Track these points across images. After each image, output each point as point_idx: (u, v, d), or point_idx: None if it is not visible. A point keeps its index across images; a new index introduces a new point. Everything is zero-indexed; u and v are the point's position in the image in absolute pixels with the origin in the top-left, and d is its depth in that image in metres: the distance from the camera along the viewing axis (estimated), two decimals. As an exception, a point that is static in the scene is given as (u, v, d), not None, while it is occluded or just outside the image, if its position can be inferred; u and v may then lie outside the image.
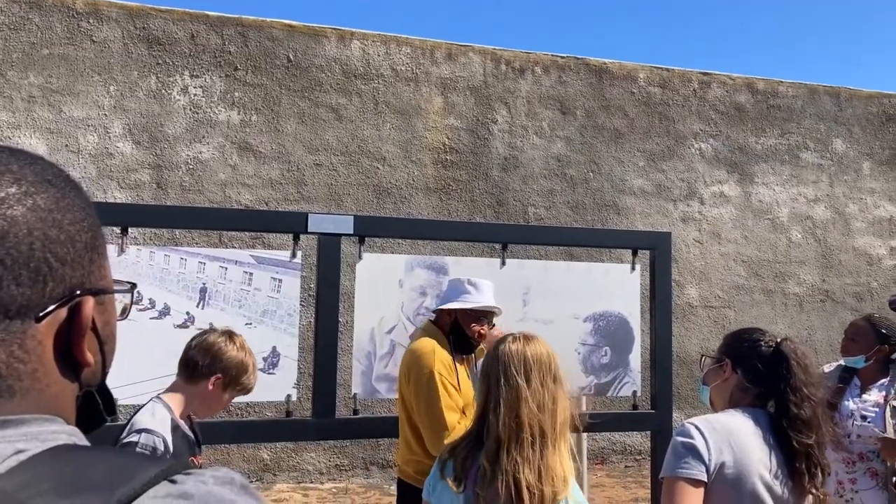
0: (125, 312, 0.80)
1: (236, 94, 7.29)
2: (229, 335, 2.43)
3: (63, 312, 0.66)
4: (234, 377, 2.37)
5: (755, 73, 9.43)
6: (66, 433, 0.64)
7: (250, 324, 3.41)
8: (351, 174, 7.53)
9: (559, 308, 3.88)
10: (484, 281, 3.29)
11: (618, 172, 8.38)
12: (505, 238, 3.89)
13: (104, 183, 6.88)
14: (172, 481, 0.60)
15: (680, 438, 1.81)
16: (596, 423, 4.20)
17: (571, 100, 8.32)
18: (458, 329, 3.21)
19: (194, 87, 7.18)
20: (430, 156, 7.79)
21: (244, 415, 6.35)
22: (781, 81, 9.17)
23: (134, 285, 0.81)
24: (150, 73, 7.08)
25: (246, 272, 3.45)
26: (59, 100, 6.82)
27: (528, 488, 1.82)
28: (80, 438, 0.65)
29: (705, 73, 8.88)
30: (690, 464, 1.75)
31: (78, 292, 0.66)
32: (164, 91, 7.11)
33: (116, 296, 0.77)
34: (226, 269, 3.43)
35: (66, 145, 6.81)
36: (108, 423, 0.76)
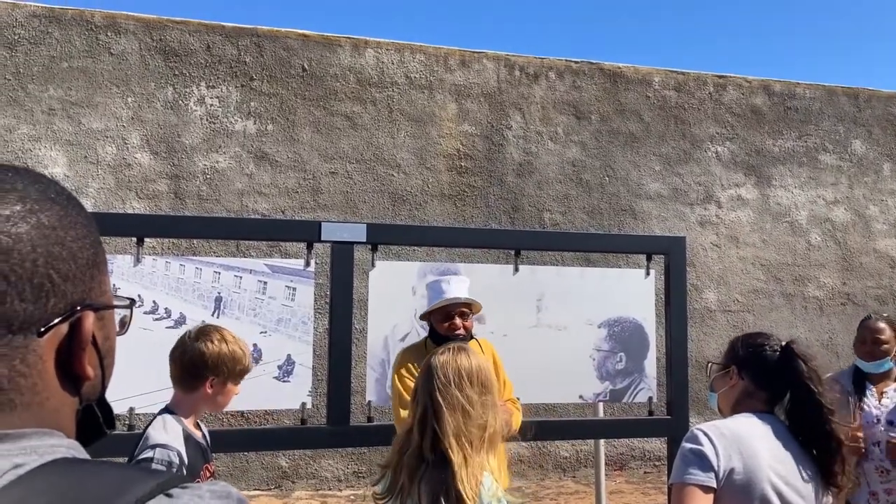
0: (125, 327, 0.82)
1: (252, 103, 7.35)
2: (203, 334, 2.34)
3: (64, 327, 0.67)
4: (229, 371, 2.31)
5: (772, 76, 9.35)
6: (65, 447, 0.64)
7: (265, 332, 3.43)
8: (366, 182, 7.56)
9: (573, 314, 3.87)
10: (447, 278, 3.31)
11: (634, 177, 8.35)
12: (517, 244, 3.89)
13: (123, 193, 6.96)
14: (169, 495, 0.61)
15: (688, 445, 1.80)
16: (611, 431, 4.16)
17: (586, 104, 8.30)
18: (434, 330, 3.25)
19: (211, 98, 7.25)
20: (444, 162, 7.81)
21: (261, 422, 6.39)
22: (798, 83, 9.10)
23: (133, 301, 0.81)
24: (167, 84, 7.16)
25: (260, 281, 3.48)
26: (78, 112, 6.91)
27: (444, 500, 1.81)
28: (78, 452, 0.66)
29: (721, 76, 8.83)
30: (699, 470, 1.74)
31: (79, 308, 0.67)
32: (181, 102, 7.18)
33: (117, 311, 0.78)
34: (240, 278, 3.46)
35: (86, 157, 6.90)
36: (107, 435, 0.77)
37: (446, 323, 3.19)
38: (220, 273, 3.43)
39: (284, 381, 3.42)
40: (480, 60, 8.05)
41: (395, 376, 3.18)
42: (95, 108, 6.95)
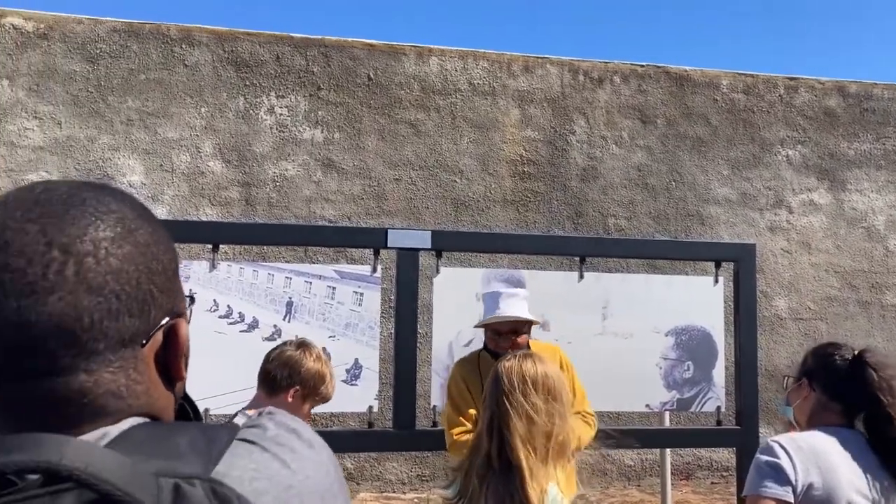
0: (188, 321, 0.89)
1: (320, 112, 7.51)
2: (305, 347, 2.47)
3: (160, 335, 0.73)
4: (313, 388, 2.42)
5: (846, 77, 9.04)
6: (149, 419, 0.72)
7: (334, 336, 3.51)
8: (429, 188, 7.63)
9: (640, 322, 3.83)
10: (504, 292, 3.15)
11: (701, 181, 8.20)
12: (582, 251, 3.87)
13: (196, 201, 7.20)
14: (246, 440, 0.69)
15: (764, 457, 1.76)
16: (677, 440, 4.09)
17: (652, 108, 8.19)
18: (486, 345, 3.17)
19: (280, 107, 7.44)
20: (507, 168, 7.82)
21: (327, 424, 6.51)
22: (876, 83, 8.78)
23: (192, 298, 0.88)
24: (238, 94, 7.38)
25: (329, 286, 3.56)
26: (154, 122, 7.19)
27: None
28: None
29: (792, 78, 8.59)
30: (775, 483, 1.70)
31: (167, 318, 0.74)
32: (251, 111, 7.40)
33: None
34: (310, 283, 3.55)
35: (161, 165, 7.17)
36: None
37: (496, 340, 3.07)
38: (291, 278, 3.53)
39: (352, 385, 3.49)
40: (544, 66, 8.04)
41: (447, 394, 3.15)
42: (171, 119, 7.22)
